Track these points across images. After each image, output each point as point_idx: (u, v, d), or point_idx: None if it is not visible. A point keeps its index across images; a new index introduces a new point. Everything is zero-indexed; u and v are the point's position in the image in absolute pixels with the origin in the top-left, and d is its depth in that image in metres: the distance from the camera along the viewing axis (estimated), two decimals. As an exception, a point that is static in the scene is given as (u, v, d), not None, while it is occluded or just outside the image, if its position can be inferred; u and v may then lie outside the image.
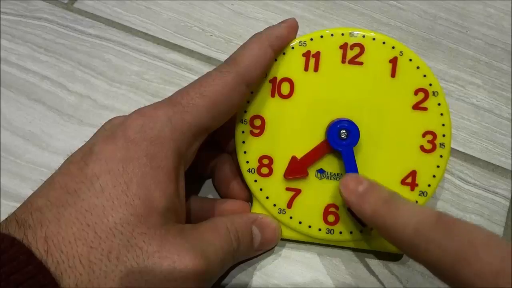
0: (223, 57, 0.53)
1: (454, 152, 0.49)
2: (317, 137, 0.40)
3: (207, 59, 0.54)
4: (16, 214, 0.31)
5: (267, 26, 0.39)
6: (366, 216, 0.35)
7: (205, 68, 0.53)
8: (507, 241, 0.33)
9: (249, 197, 0.44)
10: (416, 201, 0.40)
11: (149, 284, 0.30)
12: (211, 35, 0.56)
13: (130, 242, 0.30)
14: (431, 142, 0.39)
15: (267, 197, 0.41)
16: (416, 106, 0.39)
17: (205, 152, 0.43)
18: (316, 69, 0.40)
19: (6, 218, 0.31)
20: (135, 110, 0.35)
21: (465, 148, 0.49)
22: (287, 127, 0.41)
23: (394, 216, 0.33)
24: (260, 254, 0.43)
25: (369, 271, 0.42)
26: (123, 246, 0.30)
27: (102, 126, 0.36)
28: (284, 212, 0.41)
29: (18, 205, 0.32)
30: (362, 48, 0.39)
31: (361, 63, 0.39)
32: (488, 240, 0.28)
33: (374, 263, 0.43)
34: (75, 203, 0.30)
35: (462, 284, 0.28)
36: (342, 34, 0.39)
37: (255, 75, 0.37)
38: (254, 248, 0.40)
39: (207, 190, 0.47)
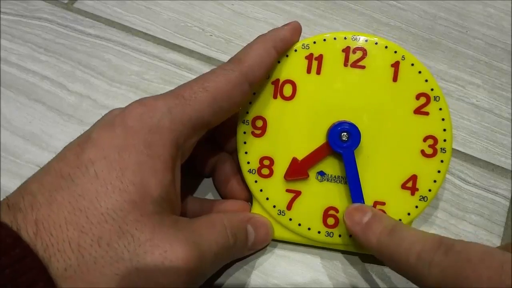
0: (223, 57, 0.53)
1: (454, 152, 0.49)
2: (318, 139, 0.40)
3: (207, 59, 0.54)
4: (9, 198, 0.31)
5: (269, 27, 0.39)
6: (371, 246, 0.36)
7: (205, 68, 0.53)
8: (505, 248, 0.33)
9: (249, 197, 0.44)
10: (416, 206, 0.40)
11: (139, 272, 0.29)
12: (211, 35, 0.56)
13: (122, 228, 0.30)
14: (432, 147, 0.40)
15: (267, 198, 0.41)
16: (418, 111, 0.39)
17: (205, 152, 0.44)
18: (318, 71, 0.40)
19: None
20: (136, 100, 0.35)
21: (465, 148, 0.49)
22: (289, 129, 0.41)
23: (398, 245, 0.33)
24: (252, 254, 0.43)
25: (369, 272, 0.42)
26: (115, 232, 0.29)
27: (102, 116, 0.36)
28: (283, 214, 0.41)
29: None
30: (364, 52, 0.40)
31: (363, 67, 0.40)
32: (484, 255, 0.28)
33: (373, 263, 0.43)
34: (68, 188, 0.30)
35: None
36: (345, 38, 0.40)
37: (258, 75, 0.37)
38: (248, 246, 0.40)
39: (207, 190, 0.47)
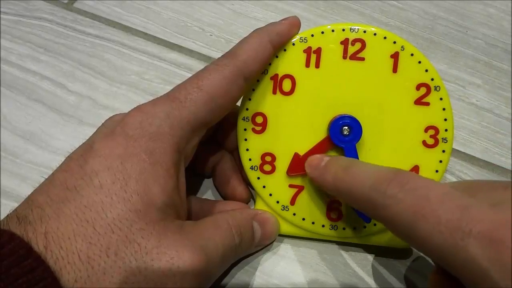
0: (223, 57, 0.53)
1: (454, 152, 0.49)
2: (319, 133, 0.40)
3: (207, 59, 0.54)
4: (17, 210, 0.31)
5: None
6: (329, 185, 0.36)
7: (205, 68, 0.53)
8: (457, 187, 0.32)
9: (250, 197, 0.44)
10: None
11: (148, 280, 0.30)
12: (211, 35, 0.56)
13: (129, 237, 0.30)
14: (434, 137, 0.39)
15: (270, 194, 0.41)
16: (418, 101, 0.39)
17: (205, 151, 0.43)
18: (317, 65, 0.40)
19: (8, 215, 0.31)
20: (134, 107, 0.35)
21: (465, 148, 0.49)
22: (289, 124, 0.40)
23: (353, 178, 0.33)
24: (259, 250, 0.43)
25: (369, 272, 0.42)
26: (122, 242, 0.30)
27: (103, 123, 0.36)
28: (287, 209, 0.41)
29: (18, 205, 0.32)
30: (363, 43, 0.39)
31: (362, 59, 0.39)
32: (445, 195, 0.28)
33: (374, 263, 0.43)
34: (75, 200, 0.30)
35: (419, 240, 0.28)
36: (343, 30, 0.39)
37: (254, 69, 0.37)
38: (255, 243, 0.40)
39: (207, 190, 0.47)
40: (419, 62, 0.39)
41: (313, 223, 0.41)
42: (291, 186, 0.41)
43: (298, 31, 0.40)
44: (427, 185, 0.29)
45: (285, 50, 0.40)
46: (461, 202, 0.27)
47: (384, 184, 0.30)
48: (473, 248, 0.25)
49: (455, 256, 0.26)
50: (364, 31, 0.39)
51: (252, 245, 0.40)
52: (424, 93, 0.39)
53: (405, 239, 0.30)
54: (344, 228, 0.41)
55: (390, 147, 0.40)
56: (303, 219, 0.41)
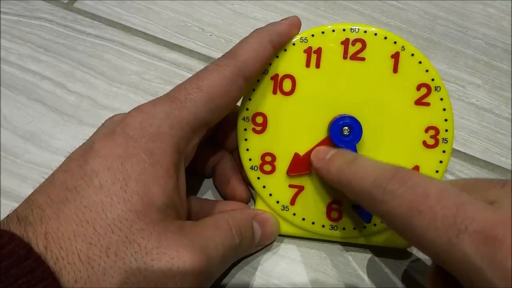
0: (223, 57, 0.53)
1: (454, 152, 0.49)
2: (319, 133, 0.40)
3: (207, 59, 0.54)
4: (17, 210, 0.31)
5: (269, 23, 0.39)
6: (332, 177, 0.36)
7: (205, 68, 0.54)
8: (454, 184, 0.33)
9: (250, 197, 0.44)
10: None
11: (148, 281, 0.30)
12: (211, 35, 0.56)
13: (129, 238, 0.30)
14: (434, 137, 0.39)
15: (270, 194, 0.41)
16: (419, 102, 0.39)
17: (205, 151, 0.43)
18: (317, 65, 0.40)
19: (8, 215, 0.31)
20: (134, 108, 0.35)
21: (465, 148, 0.49)
22: (289, 124, 0.40)
23: (355, 172, 0.34)
24: (259, 250, 0.43)
25: (369, 272, 0.42)
26: (122, 242, 0.30)
27: (103, 123, 0.36)
28: (287, 209, 0.41)
29: (18, 205, 0.31)
30: (363, 43, 0.39)
31: (363, 59, 0.39)
32: (443, 192, 0.28)
33: (374, 263, 0.43)
34: (75, 200, 0.30)
35: (415, 236, 0.28)
36: (344, 30, 0.39)
37: (254, 69, 0.37)
38: (255, 243, 0.40)
39: (207, 190, 0.47)
40: (420, 62, 0.39)
41: (313, 223, 0.41)
42: (291, 186, 0.41)
43: (299, 31, 0.39)
44: (427, 181, 0.29)
45: (285, 50, 0.40)
46: (458, 199, 0.27)
47: (386, 180, 0.30)
48: (468, 245, 0.25)
49: (450, 253, 0.26)
50: (365, 31, 0.39)
51: (252, 245, 0.40)
52: (424, 94, 0.39)
53: (401, 235, 0.30)
54: (344, 228, 0.41)
55: (390, 147, 0.40)
56: (303, 219, 0.41)
